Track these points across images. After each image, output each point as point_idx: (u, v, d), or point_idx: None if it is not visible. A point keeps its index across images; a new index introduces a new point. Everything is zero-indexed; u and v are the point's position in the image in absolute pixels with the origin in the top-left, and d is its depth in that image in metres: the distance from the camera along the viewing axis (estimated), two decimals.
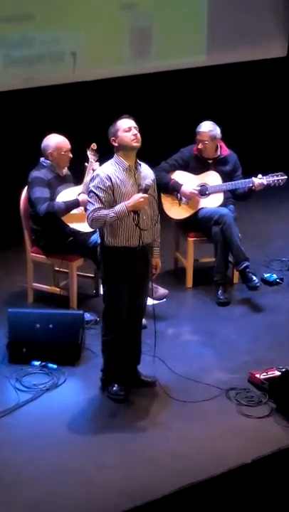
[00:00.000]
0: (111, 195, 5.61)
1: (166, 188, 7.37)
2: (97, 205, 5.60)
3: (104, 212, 5.59)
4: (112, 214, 5.58)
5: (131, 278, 5.73)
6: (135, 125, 5.68)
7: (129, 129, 5.64)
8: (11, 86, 8.55)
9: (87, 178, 6.85)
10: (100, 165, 6.52)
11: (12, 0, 8.45)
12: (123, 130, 5.64)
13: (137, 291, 5.81)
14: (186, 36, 9.68)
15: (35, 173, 6.90)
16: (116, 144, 5.67)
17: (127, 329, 5.83)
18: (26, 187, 6.98)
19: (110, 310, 5.80)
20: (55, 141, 6.91)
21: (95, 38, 8.95)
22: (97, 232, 6.32)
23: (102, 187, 5.60)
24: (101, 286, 6.75)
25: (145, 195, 5.62)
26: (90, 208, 5.63)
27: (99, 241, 5.84)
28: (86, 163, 6.88)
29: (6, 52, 8.54)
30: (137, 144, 5.64)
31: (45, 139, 6.95)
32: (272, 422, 5.68)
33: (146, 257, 5.79)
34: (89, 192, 5.72)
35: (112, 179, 5.61)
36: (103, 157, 6.43)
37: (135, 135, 5.64)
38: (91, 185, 5.68)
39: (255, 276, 7.23)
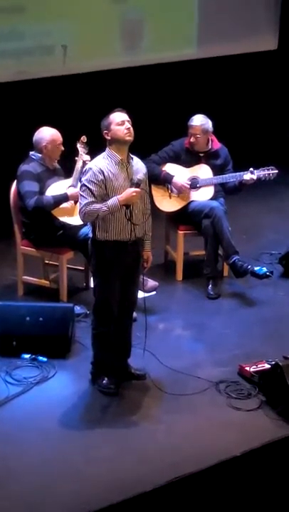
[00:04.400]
0: (103, 188, 5.59)
1: (157, 179, 7.35)
2: (89, 199, 5.58)
3: (96, 206, 5.57)
4: (105, 208, 5.56)
5: (122, 272, 5.72)
6: (128, 119, 5.65)
7: (122, 123, 5.61)
8: (1, 78, 8.52)
9: (76, 171, 6.85)
10: (90, 158, 6.55)
11: None
12: (116, 123, 5.61)
13: (128, 285, 5.80)
14: (176, 29, 9.67)
15: (24, 167, 6.88)
16: (109, 138, 5.64)
17: (117, 322, 5.82)
18: (16, 181, 6.97)
19: (101, 303, 5.79)
20: (49, 133, 6.89)
21: (85, 30, 8.94)
22: (88, 225, 6.33)
23: (95, 181, 5.58)
24: (91, 279, 6.77)
25: (137, 189, 5.60)
26: (83, 201, 5.61)
27: (90, 234, 5.83)
28: (76, 156, 6.88)
29: None
30: (129, 138, 5.62)
31: (37, 132, 6.92)
32: (261, 414, 5.69)
33: (137, 250, 5.78)
34: (81, 186, 5.68)
35: (105, 173, 5.59)
36: (93, 150, 6.43)
37: (128, 129, 5.61)
38: (83, 179, 5.65)
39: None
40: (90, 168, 5.63)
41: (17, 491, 4.95)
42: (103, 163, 5.63)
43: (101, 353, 5.89)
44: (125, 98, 7.71)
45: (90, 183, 5.59)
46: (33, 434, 5.45)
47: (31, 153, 6.94)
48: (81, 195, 5.66)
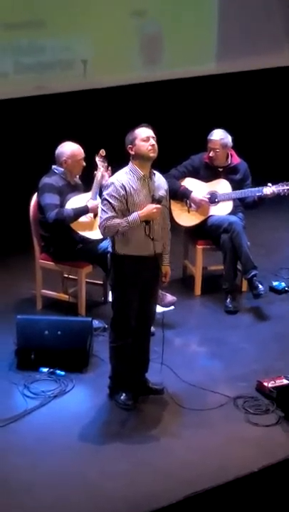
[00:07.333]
0: (124, 203, 5.60)
1: (175, 194, 7.34)
2: (110, 214, 5.59)
3: (117, 221, 5.58)
4: (125, 223, 5.57)
5: (140, 286, 5.72)
6: (153, 135, 5.64)
7: (147, 139, 5.61)
8: (21, 93, 8.58)
9: (95, 185, 6.87)
10: (110, 172, 6.57)
11: (24, 7, 8.50)
12: (141, 139, 5.61)
13: (147, 299, 5.80)
14: (196, 44, 9.71)
15: (46, 180, 6.92)
16: (132, 153, 5.63)
17: (135, 337, 5.82)
18: (36, 193, 7.00)
19: (119, 317, 5.80)
20: (70, 148, 6.93)
21: (105, 45, 9.00)
22: (106, 240, 6.34)
23: (116, 195, 5.59)
24: (110, 293, 6.78)
25: (158, 205, 5.61)
26: (103, 216, 5.62)
27: (109, 248, 5.84)
28: (95, 171, 6.90)
29: (16, 59, 8.59)
30: (153, 155, 5.62)
31: (60, 146, 6.97)
32: (279, 430, 5.67)
33: (156, 265, 5.78)
34: (102, 200, 5.70)
35: (127, 188, 5.59)
36: (113, 164, 6.45)
37: (153, 145, 5.61)
38: (105, 193, 5.66)
39: (262, 284, 7.22)
40: (112, 183, 5.64)
41: (32, 505, 4.94)
42: (125, 178, 5.63)
43: (119, 367, 5.89)
44: (145, 113, 7.71)
45: (112, 197, 5.60)
46: (50, 447, 5.45)
47: (54, 167, 6.97)
48: (102, 209, 5.67)
